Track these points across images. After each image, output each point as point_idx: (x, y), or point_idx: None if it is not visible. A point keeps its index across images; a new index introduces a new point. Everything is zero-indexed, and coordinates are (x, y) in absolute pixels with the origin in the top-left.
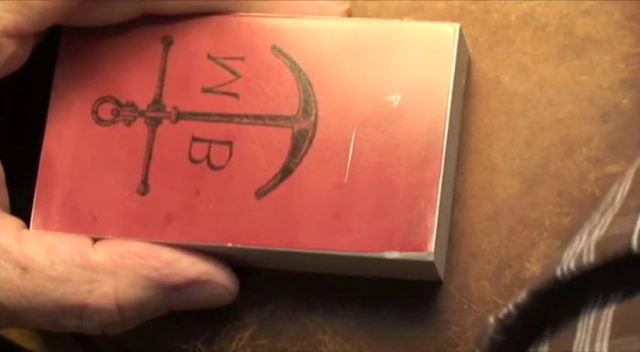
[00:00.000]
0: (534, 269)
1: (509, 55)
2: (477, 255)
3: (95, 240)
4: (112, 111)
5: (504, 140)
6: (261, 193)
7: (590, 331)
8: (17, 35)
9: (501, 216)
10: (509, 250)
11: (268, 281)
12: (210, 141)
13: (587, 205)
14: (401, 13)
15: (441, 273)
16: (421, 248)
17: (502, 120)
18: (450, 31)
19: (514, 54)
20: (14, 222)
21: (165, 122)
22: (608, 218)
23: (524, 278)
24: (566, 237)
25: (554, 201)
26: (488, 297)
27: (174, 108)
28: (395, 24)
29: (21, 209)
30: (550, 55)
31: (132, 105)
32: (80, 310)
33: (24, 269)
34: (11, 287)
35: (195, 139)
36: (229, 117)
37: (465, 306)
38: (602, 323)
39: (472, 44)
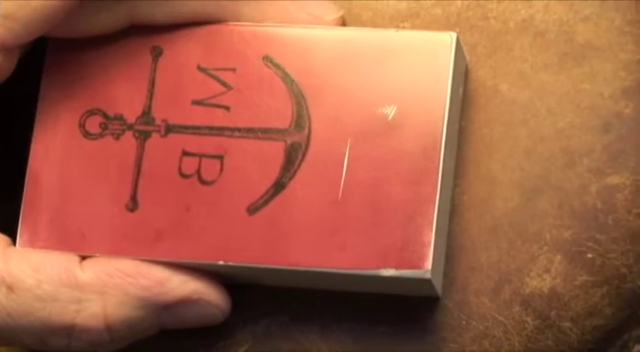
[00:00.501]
0: (534, 285)
1: (508, 62)
2: (475, 269)
3: (83, 258)
4: (99, 125)
5: (503, 150)
6: (253, 209)
7: None
8: (1, 48)
9: (501, 230)
10: (508, 265)
11: (262, 297)
12: (201, 156)
13: (589, 218)
14: (397, 21)
15: (439, 289)
16: (418, 265)
17: (501, 129)
18: (446, 40)
19: (513, 61)
20: (0, 239)
21: (155, 135)
22: None
23: (525, 294)
24: (567, 250)
25: (554, 213)
26: (488, 313)
27: (163, 121)
28: (390, 33)
29: (7, 225)
30: (550, 62)
31: (120, 118)
32: (68, 330)
33: (10, 288)
34: None
35: (185, 153)
36: (220, 131)
37: (464, 322)
38: None
39: (470, 52)
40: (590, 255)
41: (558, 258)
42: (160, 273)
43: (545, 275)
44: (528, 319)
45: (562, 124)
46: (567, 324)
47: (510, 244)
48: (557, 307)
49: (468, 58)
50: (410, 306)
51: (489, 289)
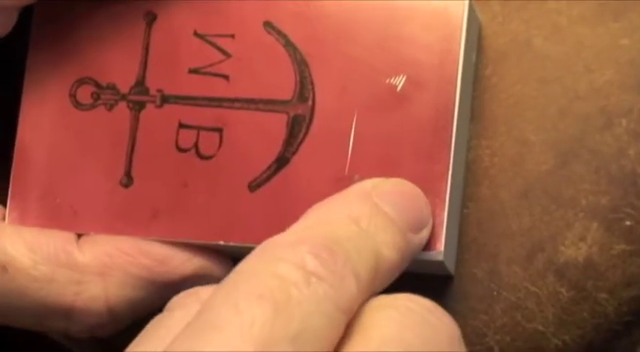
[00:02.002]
0: (569, 253)
1: (542, 14)
2: (506, 236)
3: (80, 235)
4: (91, 95)
5: (536, 109)
6: (254, 185)
7: None
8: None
9: (533, 195)
10: (542, 232)
11: None
12: (199, 128)
13: (627, 183)
14: None
15: (452, 269)
16: (430, 247)
17: (534, 87)
18: (458, 6)
19: (547, 13)
20: None
21: (150, 106)
22: None
23: (559, 263)
24: (603, 217)
25: (590, 178)
26: (520, 284)
27: (158, 91)
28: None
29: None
30: (587, 15)
31: (113, 87)
32: (67, 312)
33: (4, 268)
34: None
35: (182, 126)
36: (219, 102)
37: (494, 293)
38: None
39: (501, 3)
40: (628, 223)
41: (594, 225)
42: (161, 251)
43: (580, 244)
44: (563, 290)
45: (599, 82)
46: (604, 295)
47: (544, 210)
48: (594, 277)
49: (498, 9)
50: (437, 276)
51: (521, 258)
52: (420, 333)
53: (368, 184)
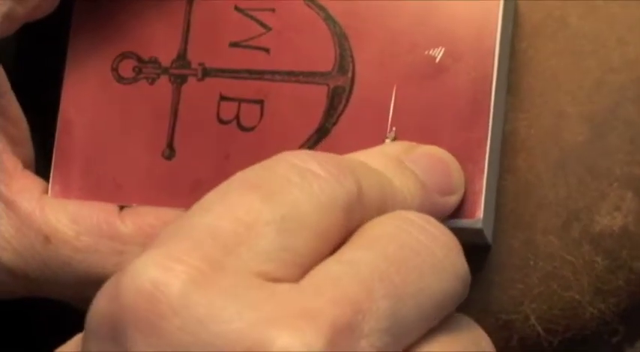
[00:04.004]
0: (604, 223)
1: None
2: (543, 206)
3: (121, 208)
4: (133, 69)
5: (572, 82)
6: None
7: None
8: None
9: (569, 165)
10: (577, 202)
11: None
12: (240, 100)
13: None
14: None
15: (489, 238)
16: (469, 214)
17: (569, 60)
18: None
19: None
20: (38, 183)
21: (191, 80)
22: None
23: (594, 232)
24: (638, 187)
25: (625, 148)
26: (556, 253)
27: (200, 64)
28: None
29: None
30: None
31: (155, 61)
32: None
33: (47, 238)
34: (34, 255)
35: (223, 98)
36: (260, 74)
37: (531, 262)
38: None
39: None
40: None
41: (629, 195)
42: None
43: (615, 213)
44: (598, 259)
45: (633, 55)
46: (639, 264)
47: (579, 180)
48: (629, 246)
49: None
50: (474, 246)
51: (557, 227)
52: (417, 238)
53: (398, 146)
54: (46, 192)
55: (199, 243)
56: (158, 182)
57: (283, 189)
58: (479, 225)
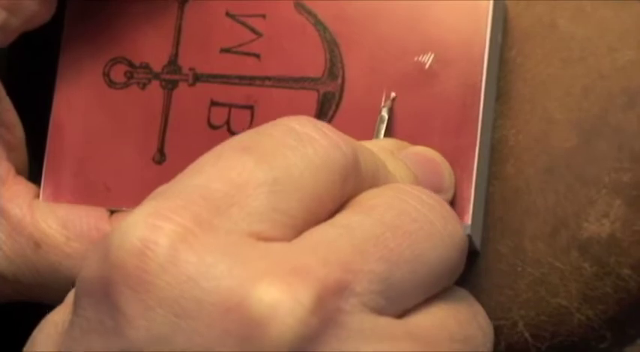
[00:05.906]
0: (592, 230)
1: None
2: (531, 213)
3: (112, 212)
4: (124, 74)
5: (561, 89)
6: None
7: None
8: None
9: (557, 172)
10: (565, 208)
11: None
12: (230, 106)
13: None
14: None
15: (478, 244)
16: None
17: (558, 67)
18: None
19: None
20: (29, 189)
21: (182, 85)
22: None
23: (582, 239)
24: (626, 194)
25: (613, 155)
26: (544, 259)
27: (191, 69)
28: None
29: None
30: None
31: (146, 66)
32: None
33: (37, 244)
34: (25, 260)
35: (214, 103)
36: (250, 80)
37: (519, 268)
38: None
39: None
40: None
41: (617, 202)
42: None
43: (603, 220)
44: (586, 265)
45: (622, 62)
46: (627, 271)
47: (567, 187)
48: (617, 253)
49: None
50: None
51: (545, 234)
52: (415, 206)
53: (391, 142)
54: (38, 197)
55: (190, 202)
56: (149, 186)
57: (277, 151)
58: (467, 231)
